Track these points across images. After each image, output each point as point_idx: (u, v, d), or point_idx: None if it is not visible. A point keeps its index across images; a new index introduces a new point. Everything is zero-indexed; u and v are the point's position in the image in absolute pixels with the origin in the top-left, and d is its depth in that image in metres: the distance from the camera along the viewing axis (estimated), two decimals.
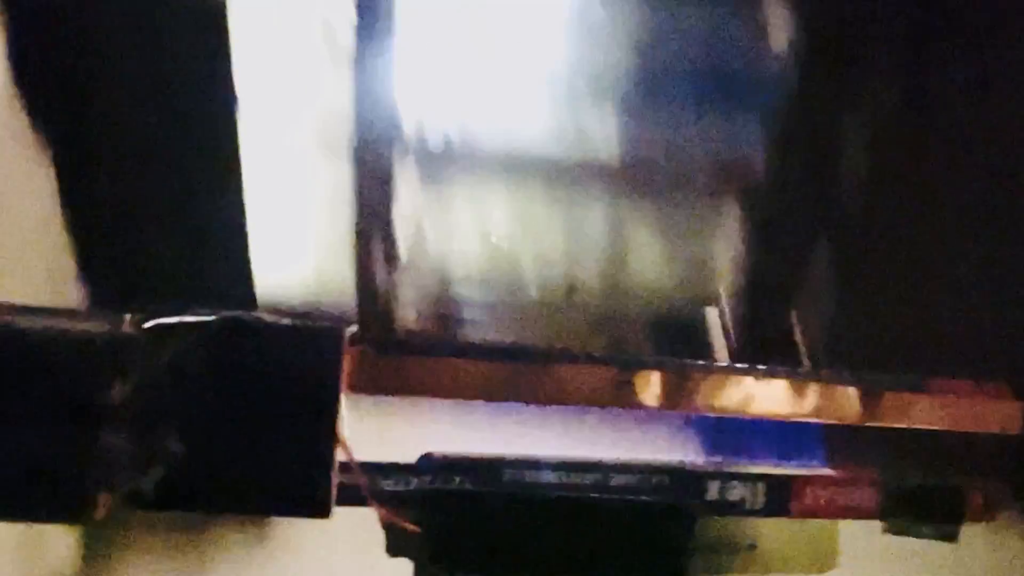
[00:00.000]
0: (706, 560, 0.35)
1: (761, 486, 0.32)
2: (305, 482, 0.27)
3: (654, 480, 0.32)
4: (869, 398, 0.35)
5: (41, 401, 0.28)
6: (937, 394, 0.38)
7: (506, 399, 0.28)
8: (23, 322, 0.30)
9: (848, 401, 0.29)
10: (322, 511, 0.26)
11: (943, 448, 0.55)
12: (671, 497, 0.30)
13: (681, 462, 0.29)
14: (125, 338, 0.29)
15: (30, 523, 0.58)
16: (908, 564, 0.74)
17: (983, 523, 0.46)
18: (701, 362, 0.34)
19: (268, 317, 0.29)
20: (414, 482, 0.32)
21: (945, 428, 0.41)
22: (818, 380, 0.33)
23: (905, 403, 0.36)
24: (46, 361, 0.29)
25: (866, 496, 0.32)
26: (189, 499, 0.27)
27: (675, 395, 0.28)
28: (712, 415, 0.32)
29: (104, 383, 0.28)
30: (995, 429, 0.41)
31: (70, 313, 0.31)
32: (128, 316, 0.31)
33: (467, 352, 0.29)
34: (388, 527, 0.30)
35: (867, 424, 0.33)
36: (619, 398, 0.28)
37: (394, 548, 0.32)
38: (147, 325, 0.29)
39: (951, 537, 0.41)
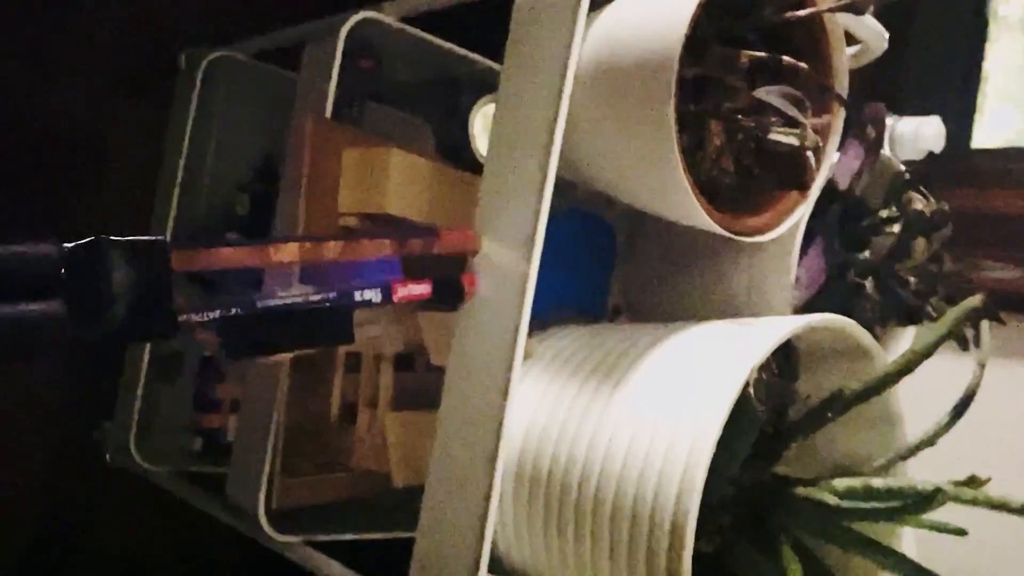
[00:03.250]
0: None
1: (377, 290, 0.60)
2: (161, 320, 0.50)
3: (330, 295, 0.58)
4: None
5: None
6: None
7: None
8: None
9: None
10: (173, 335, 0.50)
11: None
12: (340, 300, 0.58)
13: (344, 286, 0.59)
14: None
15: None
16: None
17: None
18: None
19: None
20: (211, 315, 0.54)
21: None
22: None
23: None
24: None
25: (424, 288, 0.62)
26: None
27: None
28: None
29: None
30: None
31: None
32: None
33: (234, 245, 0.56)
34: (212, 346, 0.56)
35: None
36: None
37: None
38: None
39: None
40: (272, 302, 0.56)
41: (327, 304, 0.57)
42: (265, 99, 1.14)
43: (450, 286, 0.65)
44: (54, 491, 1.13)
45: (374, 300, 0.60)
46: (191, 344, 1.12)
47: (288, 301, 0.56)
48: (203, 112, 1.11)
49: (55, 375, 1.13)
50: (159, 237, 0.52)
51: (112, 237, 0.49)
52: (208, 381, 1.13)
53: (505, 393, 0.62)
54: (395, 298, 0.61)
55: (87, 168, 1.15)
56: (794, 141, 0.58)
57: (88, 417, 1.11)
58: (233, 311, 0.54)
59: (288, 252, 0.57)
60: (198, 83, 1.09)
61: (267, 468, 0.83)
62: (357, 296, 0.59)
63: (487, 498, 0.62)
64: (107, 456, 1.09)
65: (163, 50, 1.16)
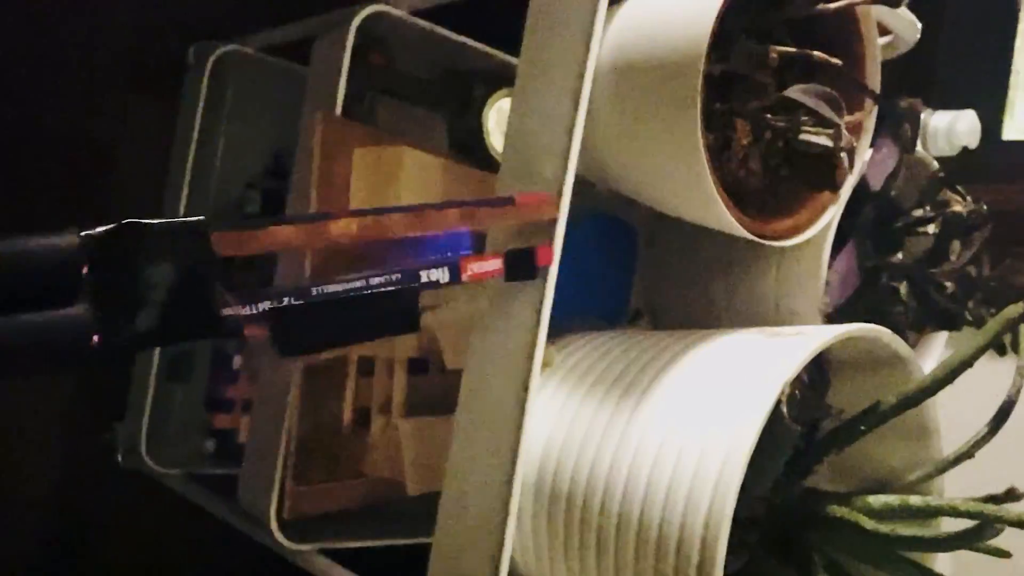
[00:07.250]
0: None
1: (445, 269, 0.54)
2: (203, 316, 0.45)
3: (394, 276, 0.52)
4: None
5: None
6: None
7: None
8: None
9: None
10: (218, 333, 0.45)
11: None
12: (404, 282, 0.52)
13: (408, 266, 0.54)
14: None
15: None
16: None
17: None
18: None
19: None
20: (260, 307, 0.48)
21: None
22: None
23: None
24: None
25: (496, 265, 0.57)
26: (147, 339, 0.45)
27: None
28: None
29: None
30: None
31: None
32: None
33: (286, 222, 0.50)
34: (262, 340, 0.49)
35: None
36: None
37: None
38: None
39: None
40: (330, 288, 0.49)
41: (391, 288, 0.51)
42: (276, 94, 1.12)
43: (523, 259, 0.57)
44: (65, 494, 1.12)
45: (442, 280, 0.54)
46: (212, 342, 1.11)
47: (348, 287, 0.50)
48: (212, 108, 1.09)
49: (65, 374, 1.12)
50: (199, 218, 0.43)
51: (143, 220, 0.42)
52: (220, 381, 1.11)
53: (523, 404, 0.60)
54: (464, 277, 0.55)
55: (94, 166, 1.13)
56: (827, 142, 0.55)
57: (99, 418, 1.10)
58: (285, 301, 0.47)
59: (346, 228, 0.50)
60: (207, 78, 1.07)
61: (278, 475, 0.81)
62: (424, 277, 0.53)
63: (505, 515, 0.60)
64: (119, 458, 1.07)
65: (172, 45, 1.14)
